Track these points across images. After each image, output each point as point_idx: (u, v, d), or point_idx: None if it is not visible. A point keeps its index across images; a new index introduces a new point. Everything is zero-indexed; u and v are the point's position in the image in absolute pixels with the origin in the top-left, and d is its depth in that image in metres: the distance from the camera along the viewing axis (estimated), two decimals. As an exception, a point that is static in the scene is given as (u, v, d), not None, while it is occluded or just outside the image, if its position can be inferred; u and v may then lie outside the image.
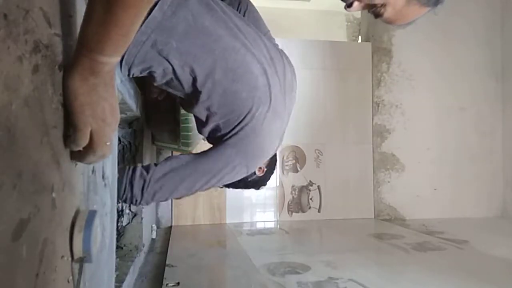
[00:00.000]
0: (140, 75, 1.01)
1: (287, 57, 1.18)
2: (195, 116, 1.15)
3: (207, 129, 1.11)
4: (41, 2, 0.41)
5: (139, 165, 1.11)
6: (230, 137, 1.06)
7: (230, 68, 1.00)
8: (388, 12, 0.81)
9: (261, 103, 1.04)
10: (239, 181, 1.19)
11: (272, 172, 1.37)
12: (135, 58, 0.94)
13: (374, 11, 0.82)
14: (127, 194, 1.05)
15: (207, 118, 1.07)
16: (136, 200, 1.06)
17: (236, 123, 1.05)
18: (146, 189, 1.04)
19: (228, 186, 1.27)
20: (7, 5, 0.34)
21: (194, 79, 0.99)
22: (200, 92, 1.00)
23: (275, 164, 1.37)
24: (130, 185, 1.05)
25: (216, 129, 1.09)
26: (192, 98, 1.03)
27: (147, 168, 1.07)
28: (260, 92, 1.04)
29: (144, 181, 1.05)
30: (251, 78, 1.02)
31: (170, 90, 1.06)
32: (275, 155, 1.33)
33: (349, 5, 0.83)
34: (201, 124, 1.12)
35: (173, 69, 0.96)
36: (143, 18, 0.47)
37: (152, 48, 0.93)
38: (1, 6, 0.33)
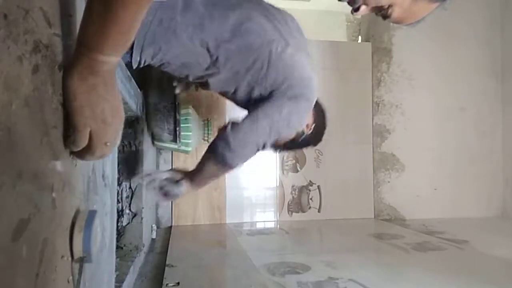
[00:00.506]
0: (152, 62, 1.05)
1: (286, 12, 1.23)
2: (224, 94, 1.19)
3: (243, 94, 1.13)
4: (41, 2, 0.41)
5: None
6: (270, 84, 1.09)
7: (234, 25, 1.03)
8: (396, 12, 0.80)
9: (278, 42, 1.08)
10: (291, 142, 1.26)
11: (324, 127, 1.40)
12: (144, 39, 0.98)
13: (382, 13, 0.81)
14: (218, 154, 1.10)
15: (236, 80, 1.10)
16: (230, 156, 1.09)
17: (265, 70, 1.07)
18: (232, 141, 1.08)
19: (280, 148, 1.33)
20: (7, 5, 0.34)
21: (208, 49, 1.03)
22: (217, 58, 1.04)
23: (324, 119, 1.39)
24: (215, 145, 1.11)
25: (250, 89, 1.11)
26: (213, 67, 1.06)
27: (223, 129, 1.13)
28: (270, 33, 1.08)
29: (225, 135, 1.09)
30: (256, 26, 1.07)
31: (187, 71, 1.09)
32: (323, 110, 1.34)
33: (356, 9, 0.83)
34: (234, 94, 1.15)
35: (184, 45, 1.00)
36: (142, 17, 0.47)
37: (159, 26, 0.97)
38: (1, 6, 0.33)
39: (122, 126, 0.53)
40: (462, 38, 2.72)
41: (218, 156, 1.10)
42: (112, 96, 0.49)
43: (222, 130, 1.11)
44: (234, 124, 1.10)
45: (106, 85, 0.48)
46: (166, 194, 1.18)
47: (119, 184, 1.38)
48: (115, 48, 0.46)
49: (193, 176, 1.19)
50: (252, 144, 1.10)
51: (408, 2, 0.79)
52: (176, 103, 1.59)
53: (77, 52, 0.46)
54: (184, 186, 1.18)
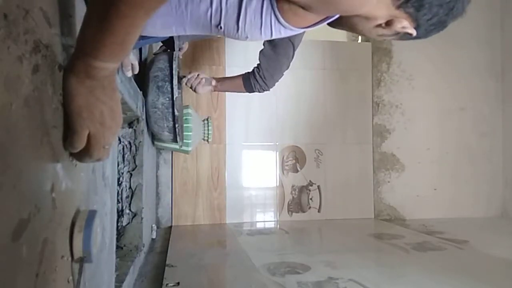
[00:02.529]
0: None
1: None
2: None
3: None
4: (41, 2, 0.41)
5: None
6: None
7: None
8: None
9: None
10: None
11: None
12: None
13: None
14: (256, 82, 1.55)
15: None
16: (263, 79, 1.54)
17: None
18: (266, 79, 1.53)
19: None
20: (7, 5, 0.34)
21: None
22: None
23: None
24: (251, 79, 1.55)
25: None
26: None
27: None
28: None
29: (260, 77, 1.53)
30: None
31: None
32: None
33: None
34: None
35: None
36: (140, 28, 0.46)
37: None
38: (1, 6, 0.33)
39: (119, 129, 0.53)
40: (462, 38, 2.72)
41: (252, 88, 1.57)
42: (111, 99, 0.49)
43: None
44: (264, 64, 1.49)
45: (105, 88, 0.48)
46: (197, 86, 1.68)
47: (119, 184, 1.38)
48: (111, 55, 0.46)
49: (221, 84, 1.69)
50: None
51: (396, 38, 0.86)
52: (174, 98, 1.56)
53: (74, 55, 0.46)
54: (211, 86, 1.69)
